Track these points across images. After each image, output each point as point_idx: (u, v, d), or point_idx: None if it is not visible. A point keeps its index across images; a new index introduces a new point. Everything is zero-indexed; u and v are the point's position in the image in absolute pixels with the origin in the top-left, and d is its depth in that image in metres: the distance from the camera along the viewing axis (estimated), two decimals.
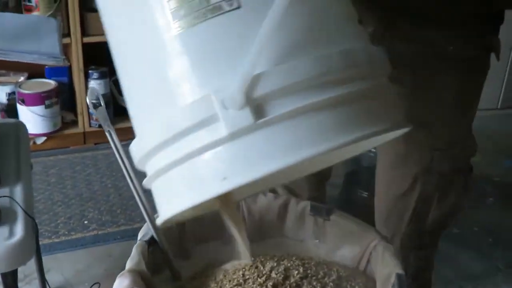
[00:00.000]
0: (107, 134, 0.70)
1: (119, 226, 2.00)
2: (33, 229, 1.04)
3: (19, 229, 1.01)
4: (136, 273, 0.71)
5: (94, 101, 0.75)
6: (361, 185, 1.92)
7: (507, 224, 2.14)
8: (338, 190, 2.16)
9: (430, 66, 0.95)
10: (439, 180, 1.04)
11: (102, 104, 0.72)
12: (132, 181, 0.72)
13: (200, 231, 0.87)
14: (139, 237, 0.78)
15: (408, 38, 0.93)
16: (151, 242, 0.77)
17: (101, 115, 0.71)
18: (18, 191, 1.12)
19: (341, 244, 0.84)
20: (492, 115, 3.14)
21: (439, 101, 0.98)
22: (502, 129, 3.01)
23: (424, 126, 0.95)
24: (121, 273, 0.70)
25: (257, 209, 0.88)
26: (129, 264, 0.72)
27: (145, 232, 0.79)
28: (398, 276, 0.71)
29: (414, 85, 0.93)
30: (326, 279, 0.75)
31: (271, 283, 0.72)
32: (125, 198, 2.15)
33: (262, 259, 0.80)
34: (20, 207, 1.06)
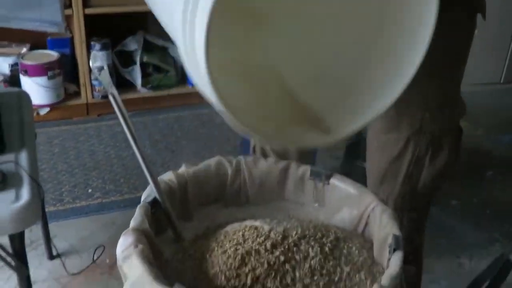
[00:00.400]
0: (110, 97, 0.72)
1: (123, 195, 2.03)
2: (38, 193, 1.06)
3: (25, 193, 1.03)
4: (140, 232, 0.73)
5: (97, 66, 0.76)
6: (362, 156, 1.93)
7: (506, 196, 2.16)
8: (339, 161, 2.18)
9: None
10: (430, 140, 1.08)
11: (105, 68, 0.73)
12: (135, 142, 0.74)
13: (202, 195, 0.89)
14: (142, 199, 0.80)
15: None
16: (154, 203, 0.79)
17: (104, 79, 0.72)
18: (23, 157, 1.14)
19: (340, 207, 0.86)
20: (495, 90, 3.15)
21: (428, 62, 1.00)
22: (505, 104, 3.01)
23: (415, 87, 0.98)
24: (125, 231, 0.72)
25: (258, 173, 0.90)
26: (132, 224, 0.74)
27: (148, 193, 0.81)
28: (395, 237, 0.74)
29: None
30: (324, 239, 0.77)
31: (269, 243, 0.74)
32: (128, 168, 2.17)
33: (262, 221, 0.82)
34: (25, 172, 1.09)
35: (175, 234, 0.82)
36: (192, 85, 2.74)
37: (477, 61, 3.05)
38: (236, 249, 0.74)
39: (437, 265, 1.77)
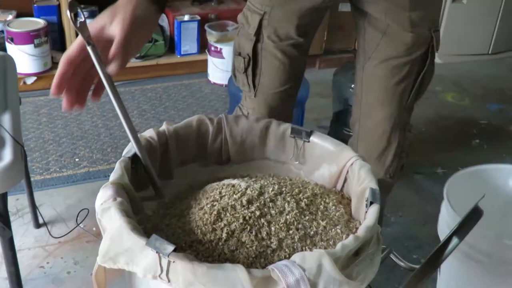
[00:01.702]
0: (88, 48, 0.71)
1: (110, 164, 2.02)
2: (21, 154, 1.06)
3: (7, 154, 1.03)
4: (119, 185, 0.73)
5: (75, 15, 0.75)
6: (348, 124, 1.94)
7: (492, 165, 2.18)
8: (326, 131, 2.19)
9: None
10: (430, 56, 1.17)
11: (83, 18, 0.72)
12: (114, 95, 0.73)
13: (183, 153, 0.89)
14: (123, 154, 0.80)
15: None
16: (134, 158, 0.79)
17: (82, 30, 0.72)
18: (6, 119, 1.14)
19: (319, 164, 0.87)
20: (483, 60, 3.15)
21: None
22: (492, 74, 3.02)
23: (426, 9, 1.12)
24: (104, 185, 0.73)
25: (239, 132, 0.90)
26: (112, 177, 0.74)
27: (128, 149, 0.81)
28: (372, 191, 0.74)
29: None
30: (300, 195, 0.78)
31: (245, 199, 0.74)
32: (116, 138, 2.17)
33: (240, 179, 0.82)
34: (8, 133, 1.08)
35: (156, 190, 0.82)
36: (181, 54, 2.73)
37: (465, 32, 3.06)
38: (213, 205, 0.74)
39: (422, 232, 1.79)
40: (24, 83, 2.47)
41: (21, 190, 1.73)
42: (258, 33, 1.14)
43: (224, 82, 2.59)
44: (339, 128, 2.04)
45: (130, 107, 2.42)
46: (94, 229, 1.71)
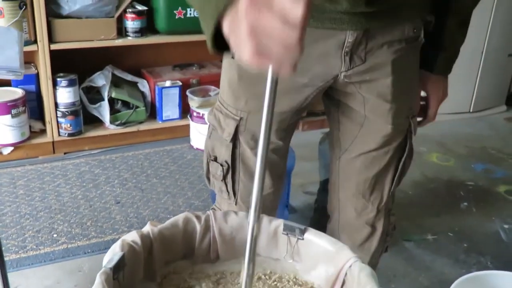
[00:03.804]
0: None
1: (90, 239, 1.94)
2: None
3: None
4: None
5: None
6: None
7: (482, 228, 2.15)
8: (312, 197, 2.15)
9: (403, 57, 1.04)
10: (409, 142, 1.14)
11: None
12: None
13: (169, 253, 0.84)
14: (104, 263, 0.74)
15: (383, 42, 1.01)
16: (116, 268, 0.73)
17: None
18: None
19: (315, 264, 0.82)
20: (465, 119, 3.17)
21: (411, 76, 1.12)
22: (474, 132, 3.03)
23: (405, 98, 1.09)
24: None
25: (228, 229, 0.85)
26: None
27: (110, 257, 0.74)
28: None
29: (396, 79, 1.05)
30: None
31: None
32: (95, 210, 2.09)
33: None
34: None
35: None
36: (162, 120, 2.69)
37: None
38: None
39: None
40: (0, 153, 2.40)
41: None
42: (235, 138, 1.07)
43: None
44: (326, 198, 1.99)
45: (111, 176, 2.35)
46: None
